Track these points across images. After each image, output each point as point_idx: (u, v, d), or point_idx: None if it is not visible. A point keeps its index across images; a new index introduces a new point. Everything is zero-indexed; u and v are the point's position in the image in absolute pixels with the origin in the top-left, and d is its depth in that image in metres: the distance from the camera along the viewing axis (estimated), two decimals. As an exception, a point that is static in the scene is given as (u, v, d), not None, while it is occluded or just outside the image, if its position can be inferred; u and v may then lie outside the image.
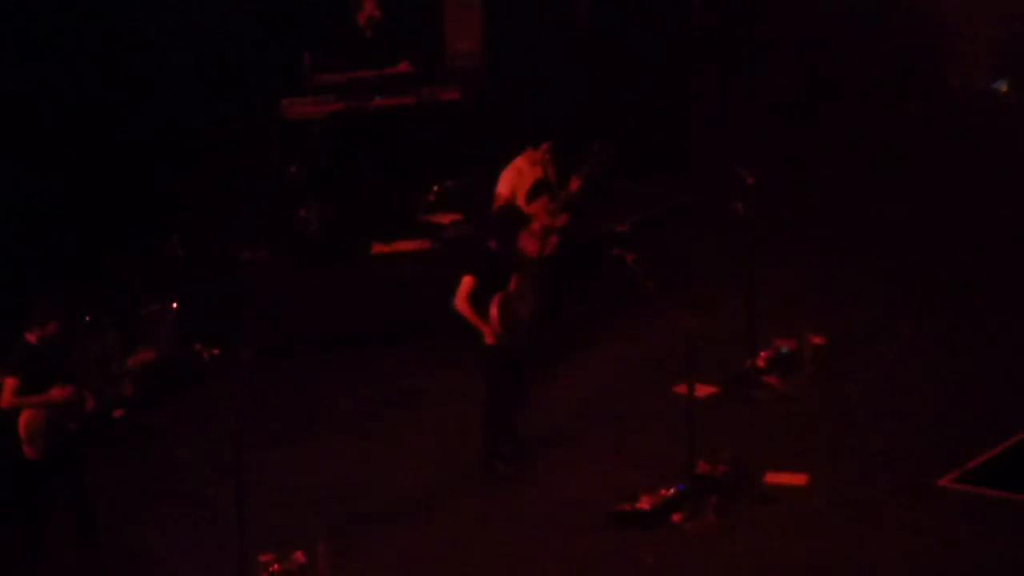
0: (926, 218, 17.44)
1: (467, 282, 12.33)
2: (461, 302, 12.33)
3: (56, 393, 11.06)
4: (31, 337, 11.15)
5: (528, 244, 13.83)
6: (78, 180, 15.38)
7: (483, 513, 12.16)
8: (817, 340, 14.35)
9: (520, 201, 14.04)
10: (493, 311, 12.25)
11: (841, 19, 20.15)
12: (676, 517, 11.75)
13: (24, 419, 11.05)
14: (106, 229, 15.18)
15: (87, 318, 13.85)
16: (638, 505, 11.79)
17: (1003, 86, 20.01)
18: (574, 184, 14.27)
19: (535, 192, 14.08)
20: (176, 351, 14.41)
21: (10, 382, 11.07)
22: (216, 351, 12.74)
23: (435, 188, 16.55)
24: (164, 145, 16.07)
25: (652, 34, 19.89)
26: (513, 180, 14.32)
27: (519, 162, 14.45)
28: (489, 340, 12.33)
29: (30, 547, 11.32)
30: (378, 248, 15.92)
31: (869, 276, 16.11)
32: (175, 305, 14.71)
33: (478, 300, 12.29)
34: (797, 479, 12.24)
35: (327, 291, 15.48)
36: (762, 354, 14.05)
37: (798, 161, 18.84)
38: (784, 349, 14.19)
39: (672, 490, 11.89)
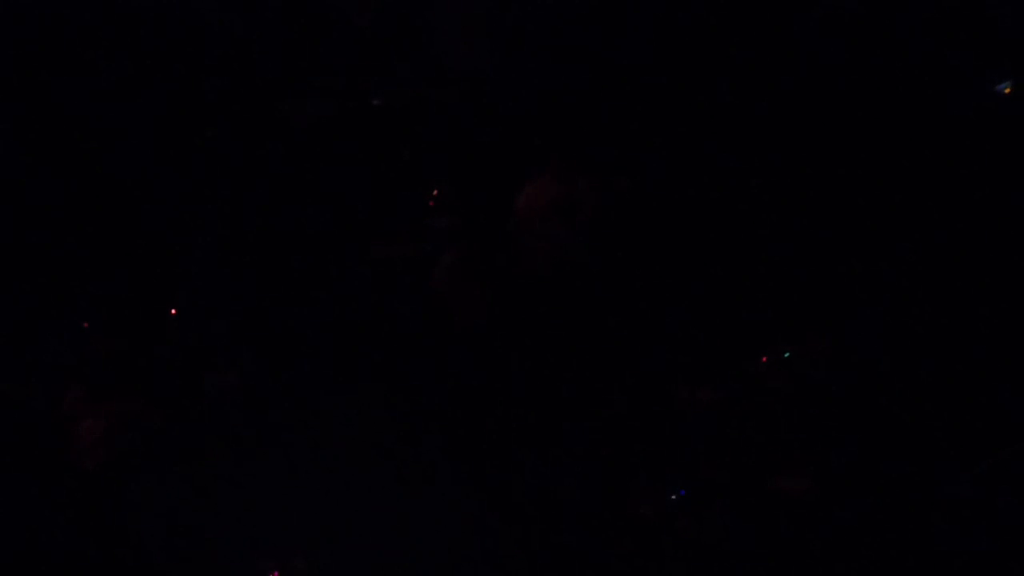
0: (931, 217, 17.37)
1: (459, 250, 12.31)
2: (442, 271, 12.31)
3: (118, 404, 10.95)
4: (99, 345, 11.06)
5: (523, 254, 13.74)
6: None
7: (481, 519, 12.08)
8: (821, 341, 14.32)
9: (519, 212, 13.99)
10: (477, 286, 12.20)
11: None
12: (676, 522, 11.68)
13: (84, 427, 10.93)
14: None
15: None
16: (637, 510, 11.74)
17: (1007, 88, 19.86)
18: (578, 211, 14.24)
19: (529, 203, 14.00)
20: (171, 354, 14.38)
21: (73, 389, 10.96)
22: (209, 355, 12.69)
23: (435, 192, 16.50)
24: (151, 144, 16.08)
25: (655, 35, 19.83)
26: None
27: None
28: (472, 310, 12.28)
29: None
30: (377, 251, 15.88)
31: (875, 276, 16.06)
32: (174, 312, 14.67)
33: (466, 275, 12.26)
34: (800, 482, 12.15)
35: (325, 294, 15.42)
36: (764, 357, 14.03)
37: (802, 160, 18.79)
38: (787, 351, 14.15)
39: (672, 495, 11.83)
